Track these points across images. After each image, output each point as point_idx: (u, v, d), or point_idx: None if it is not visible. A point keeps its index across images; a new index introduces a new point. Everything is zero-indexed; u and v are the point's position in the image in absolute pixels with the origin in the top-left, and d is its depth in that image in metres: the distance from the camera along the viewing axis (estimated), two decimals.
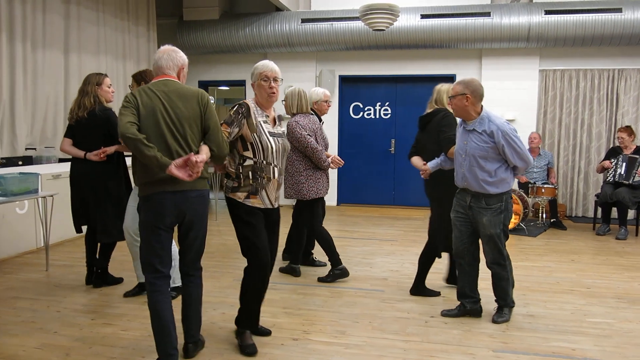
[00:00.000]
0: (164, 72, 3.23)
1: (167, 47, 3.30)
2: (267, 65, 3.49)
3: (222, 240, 6.72)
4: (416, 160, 4.54)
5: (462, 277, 4.23)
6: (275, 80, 3.48)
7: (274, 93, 3.48)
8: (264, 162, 3.43)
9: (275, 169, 3.49)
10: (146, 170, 3.08)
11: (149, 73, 4.47)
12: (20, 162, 6.30)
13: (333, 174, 10.12)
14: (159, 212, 3.11)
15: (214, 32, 9.51)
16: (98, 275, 4.88)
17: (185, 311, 3.40)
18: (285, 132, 3.69)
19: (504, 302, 4.15)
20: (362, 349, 3.61)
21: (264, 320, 3.97)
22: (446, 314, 4.24)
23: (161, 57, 3.23)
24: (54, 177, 6.31)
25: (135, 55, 8.75)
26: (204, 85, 10.77)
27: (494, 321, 4.09)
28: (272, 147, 3.44)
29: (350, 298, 4.68)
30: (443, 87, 4.56)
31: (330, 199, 10.22)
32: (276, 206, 3.61)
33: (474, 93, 3.90)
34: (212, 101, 3.33)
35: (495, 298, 4.19)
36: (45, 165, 6.76)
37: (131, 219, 4.43)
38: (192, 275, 3.41)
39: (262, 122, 3.46)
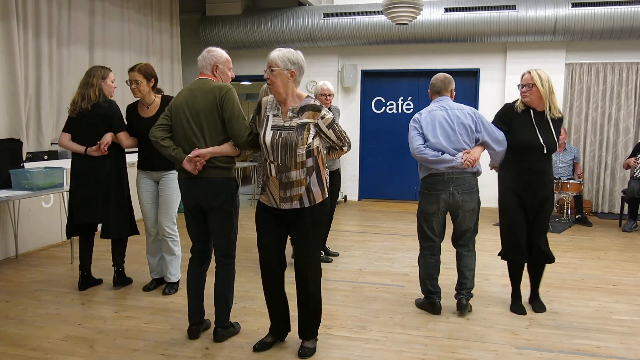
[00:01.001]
0: (201, 72, 3.57)
1: (208, 48, 3.61)
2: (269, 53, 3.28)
3: (243, 234, 6.72)
4: None
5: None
6: (270, 69, 3.20)
7: (269, 83, 3.24)
8: (263, 157, 3.31)
9: (272, 165, 3.23)
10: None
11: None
12: (45, 157, 6.39)
13: (355, 169, 10.11)
14: (183, 195, 3.59)
15: (236, 28, 9.53)
16: (120, 274, 4.78)
17: (214, 295, 3.60)
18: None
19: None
20: (383, 344, 3.60)
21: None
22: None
23: (199, 59, 3.58)
24: None
25: (159, 51, 8.81)
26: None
27: (415, 302, 4.38)
28: (266, 142, 3.23)
29: (371, 293, 4.67)
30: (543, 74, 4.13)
31: (352, 194, 10.21)
32: (284, 207, 3.27)
33: (430, 88, 4.22)
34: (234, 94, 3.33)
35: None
36: (70, 159, 6.84)
37: (164, 213, 4.55)
38: (219, 261, 3.60)
39: (270, 116, 3.28)
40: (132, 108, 4.62)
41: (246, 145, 3.39)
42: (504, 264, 4.32)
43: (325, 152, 3.36)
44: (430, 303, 4.18)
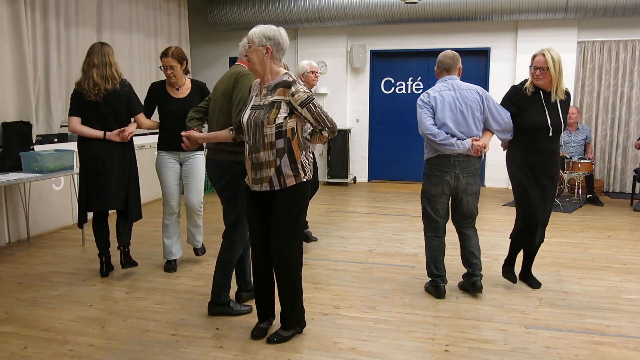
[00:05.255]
0: (239, 59, 3.76)
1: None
2: None
3: None
4: None
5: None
6: (248, 46, 3.13)
7: (247, 60, 3.19)
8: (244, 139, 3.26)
9: (247, 145, 3.18)
10: None
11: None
12: (55, 140, 6.42)
13: (364, 150, 10.09)
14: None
15: (244, 8, 9.45)
16: (127, 254, 4.57)
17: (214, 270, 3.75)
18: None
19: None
20: (392, 324, 3.61)
21: None
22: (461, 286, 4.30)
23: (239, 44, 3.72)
24: None
25: (167, 32, 8.77)
26: (235, 61, 10.75)
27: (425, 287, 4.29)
28: (243, 122, 3.18)
29: (380, 274, 4.67)
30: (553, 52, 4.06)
31: (361, 175, 10.19)
32: (255, 189, 3.20)
33: (438, 65, 4.07)
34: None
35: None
36: (79, 143, 6.86)
37: (196, 192, 4.71)
38: (223, 240, 3.72)
39: (254, 96, 3.23)
40: (160, 88, 4.60)
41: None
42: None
43: (307, 136, 3.24)
44: (434, 287, 4.13)
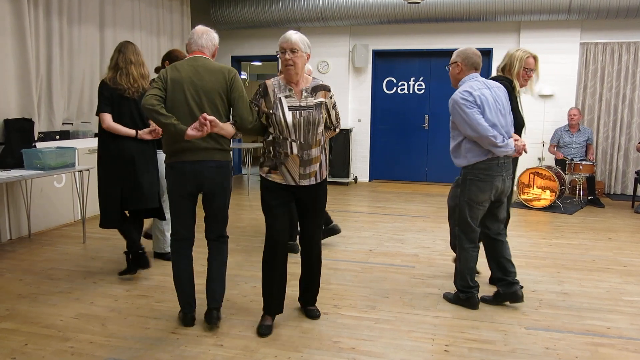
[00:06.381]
0: (200, 50, 3.45)
1: (205, 28, 3.50)
2: (284, 36, 3.32)
3: (253, 215, 6.75)
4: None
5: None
6: (292, 51, 3.27)
7: (290, 65, 3.29)
8: (281, 137, 3.33)
9: (294, 144, 3.32)
10: (171, 139, 3.36)
11: (177, 52, 4.61)
12: (57, 137, 6.43)
13: (365, 150, 10.09)
14: (179, 180, 3.39)
15: (247, 7, 9.46)
16: (143, 255, 4.48)
17: (209, 275, 3.57)
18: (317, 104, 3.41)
19: (455, 279, 3.98)
20: (392, 324, 3.61)
21: (295, 294, 4.00)
22: (485, 299, 4.00)
23: (201, 36, 3.46)
24: (91, 151, 6.43)
25: (169, 31, 8.78)
26: (237, 60, 10.78)
27: (443, 296, 4.09)
28: (287, 122, 3.29)
29: (381, 273, 4.68)
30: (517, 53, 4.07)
31: (362, 175, 10.20)
32: (303, 184, 3.40)
33: (465, 61, 3.81)
34: (243, 77, 3.38)
35: None
36: (82, 139, 6.89)
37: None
38: (216, 241, 3.58)
39: (282, 98, 3.33)
40: None
41: (251, 129, 3.39)
42: (515, 244, 4.30)
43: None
44: (468, 298, 3.87)
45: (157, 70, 5.00)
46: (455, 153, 3.82)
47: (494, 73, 9.18)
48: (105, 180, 4.27)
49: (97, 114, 4.20)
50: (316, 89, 3.42)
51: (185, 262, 3.54)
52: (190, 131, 3.17)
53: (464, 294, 3.91)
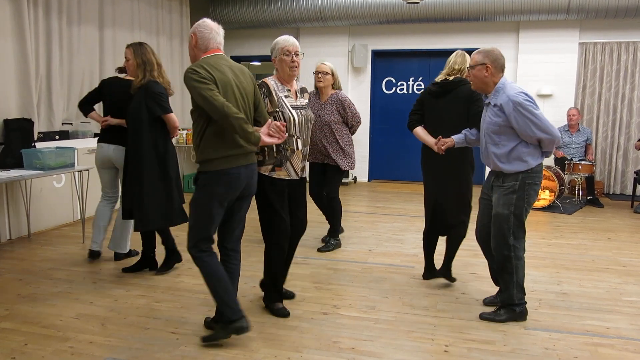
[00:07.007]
0: (219, 48, 3.24)
1: (215, 24, 3.26)
2: (289, 40, 3.56)
3: (253, 215, 6.68)
4: (423, 133, 4.13)
5: (491, 261, 3.92)
6: (296, 54, 3.55)
7: (295, 67, 3.56)
8: (287, 134, 3.45)
9: (299, 140, 3.59)
10: (225, 145, 3.12)
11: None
12: (57, 137, 6.42)
13: (365, 150, 10.09)
14: (233, 186, 3.18)
15: (246, 7, 9.47)
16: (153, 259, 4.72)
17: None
18: (307, 103, 3.76)
19: (502, 298, 3.71)
20: (392, 324, 3.62)
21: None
22: (490, 301, 3.96)
23: (218, 32, 3.24)
24: (90, 151, 6.43)
25: (169, 30, 8.78)
26: (236, 60, 10.71)
27: (481, 317, 3.72)
28: (294, 120, 3.53)
29: (380, 274, 4.68)
30: (467, 56, 4.08)
31: (362, 175, 10.20)
32: (303, 176, 3.72)
33: (495, 63, 3.60)
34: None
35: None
36: (81, 139, 6.89)
37: None
38: (235, 251, 3.42)
39: (283, 97, 3.55)
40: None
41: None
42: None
43: None
44: (522, 310, 3.71)
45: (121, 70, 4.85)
46: (508, 158, 3.58)
47: None
48: (168, 179, 4.29)
49: (167, 113, 4.25)
50: (302, 91, 3.75)
51: (223, 269, 3.30)
52: (268, 138, 3.13)
53: (520, 307, 3.70)
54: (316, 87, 5.34)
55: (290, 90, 3.63)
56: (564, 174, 7.79)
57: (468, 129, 3.96)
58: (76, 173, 5.87)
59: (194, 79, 2.98)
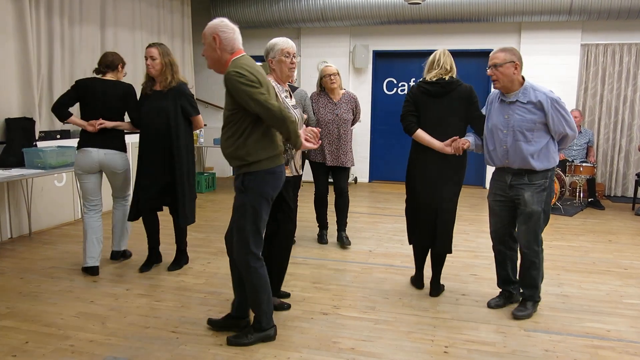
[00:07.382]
0: (241, 49, 3.18)
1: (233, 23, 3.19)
2: (288, 42, 3.63)
3: None
4: (426, 135, 4.08)
5: (503, 264, 3.94)
6: (294, 56, 3.66)
7: (294, 68, 3.68)
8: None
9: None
10: (272, 144, 3.15)
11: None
12: (58, 136, 6.43)
13: (365, 151, 10.09)
14: (278, 185, 3.23)
15: (247, 7, 9.47)
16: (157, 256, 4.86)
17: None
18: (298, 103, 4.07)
19: (530, 293, 3.79)
20: (392, 325, 3.62)
21: (294, 294, 4.03)
22: (495, 304, 3.95)
23: (239, 32, 3.18)
24: None
25: (170, 30, 8.78)
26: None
27: (514, 315, 3.73)
28: (297, 119, 3.56)
29: (380, 274, 4.68)
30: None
31: (362, 175, 10.20)
32: (301, 173, 3.92)
33: (520, 60, 3.66)
34: None
35: (521, 289, 3.89)
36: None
37: None
38: (263, 257, 3.31)
39: (283, 96, 3.60)
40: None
41: None
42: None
43: None
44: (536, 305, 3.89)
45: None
46: (540, 155, 3.62)
47: None
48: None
49: (199, 114, 4.55)
50: (290, 91, 3.88)
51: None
52: (308, 143, 3.35)
53: (539, 299, 3.87)
54: (321, 88, 5.49)
55: (287, 91, 3.73)
56: (565, 175, 7.78)
57: (472, 132, 3.99)
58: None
59: (242, 82, 2.92)
